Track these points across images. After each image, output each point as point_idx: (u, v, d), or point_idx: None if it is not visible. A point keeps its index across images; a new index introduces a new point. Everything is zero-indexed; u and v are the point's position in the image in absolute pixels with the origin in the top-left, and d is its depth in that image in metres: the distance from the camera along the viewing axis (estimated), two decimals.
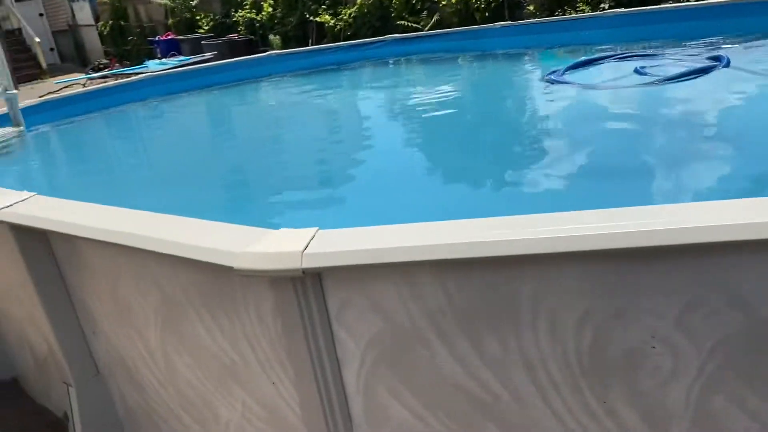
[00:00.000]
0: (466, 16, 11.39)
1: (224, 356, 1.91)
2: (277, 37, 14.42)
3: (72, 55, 23.00)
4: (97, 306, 2.35)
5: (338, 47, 8.96)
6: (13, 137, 5.87)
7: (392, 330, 1.58)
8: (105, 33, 20.50)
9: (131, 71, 12.86)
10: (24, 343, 3.11)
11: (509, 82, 6.39)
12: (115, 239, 1.95)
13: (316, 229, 1.61)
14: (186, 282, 1.88)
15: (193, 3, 16.81)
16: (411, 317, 1.54)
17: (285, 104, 7.46)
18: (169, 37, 16.34)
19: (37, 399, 3.29)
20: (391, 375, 1.65)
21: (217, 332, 1.88)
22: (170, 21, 17.63)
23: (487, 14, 11.05)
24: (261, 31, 15.27)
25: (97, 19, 21.21)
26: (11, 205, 2.35)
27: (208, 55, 13.27)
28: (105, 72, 14.99)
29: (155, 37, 17.10)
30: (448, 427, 1.65)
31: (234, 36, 14.97)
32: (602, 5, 9.84)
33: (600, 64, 5.62)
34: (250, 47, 14.66)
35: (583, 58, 5.72)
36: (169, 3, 17.14)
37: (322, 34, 13.95)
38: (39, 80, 19.82)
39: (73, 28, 22.69)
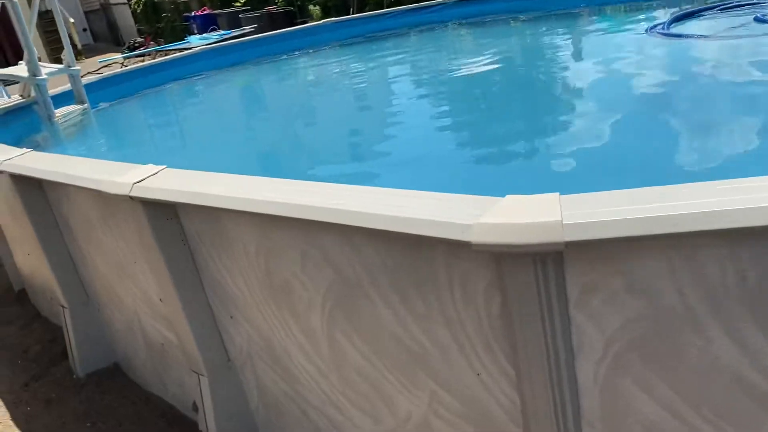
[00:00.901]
0: None
1: (412, 342, 1.68)
2: (317, 7, 14.07)
3: (105, 34, 22.87)
4: (237, 288, 2.14)
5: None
6: (79, 114, 5.69)
7: (655, 313, 1.33)
8: (138, 11, 20.30)
9: (173, 47, 12.65)
10: (135, 328, 2.93)
11: (612, 40, 6.02)
12: (276, 211, 1.72)
13: (557, 194, 1.35)
14: (370, 260, 1.64)
15: None
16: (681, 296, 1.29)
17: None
18: (206, 12, 16.07)
19: (145, 386, 3.12)
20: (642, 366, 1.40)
21: (407, 315, 1.65)
22: None
23: None
24: (299, 2, 14.91)
25: None
26: (143, 179, 2.13)
27: (248, 28, 12.98)
28: (142, 50, 14.80)
29: (190, 13, 16.84)
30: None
31: (272, 8, 14.65)
32: None
33: (705, 15, 5.22)
34: (289, 19, 14.36)
35: (687, 9, 5.32)
36: None
37: (364, 1, 13.57)
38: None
39: (105, 7, 22.53)
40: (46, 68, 5.44)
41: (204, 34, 12.93)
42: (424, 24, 8.29)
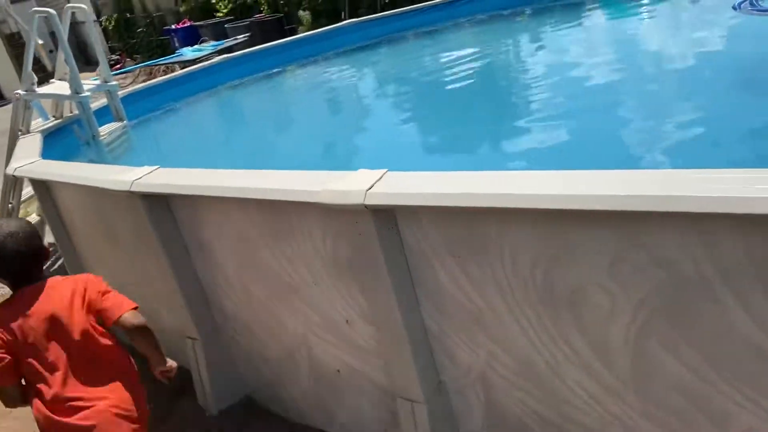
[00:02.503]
0: None
1: None
2: (306, 12, 13.75)
3: (74, 54, 22.13)
4: (484, 302, 1.89)
5: None
6: (120, 131, 5.33)
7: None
8: (110, 27, 19.71)
9: (165, 62, 12.22)
10: (298, 356, 2.64)
11: (698, 19, 5.89)
12: (582, 205, 1.50)
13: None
14: (728, 255, 1.41)
15: None
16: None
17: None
18: (187, 25, 15.62)
19: (299, 419, 2.83)
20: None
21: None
22: (182, 8, 16.87)
23: None
24: (286, 8, 14.57)
25: (98, 14, 20.37)
26: (371, 186, 1.86)
27: (241, 38, 12.62)
28: (130, 67, 14.32)
29: (167, 26, 16.38)
30: None
31: (261, 16, 14.29)
32: None
33: None
34: (280, 26, 14.01)
35: None
36: None
37: (356, 4, 13.31)
38: (46, 84, 19.09)
39: (73, 26, 21.82)
40: (86, 85, 5.08)
41: (197, 46, 12.51)
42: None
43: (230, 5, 15.67)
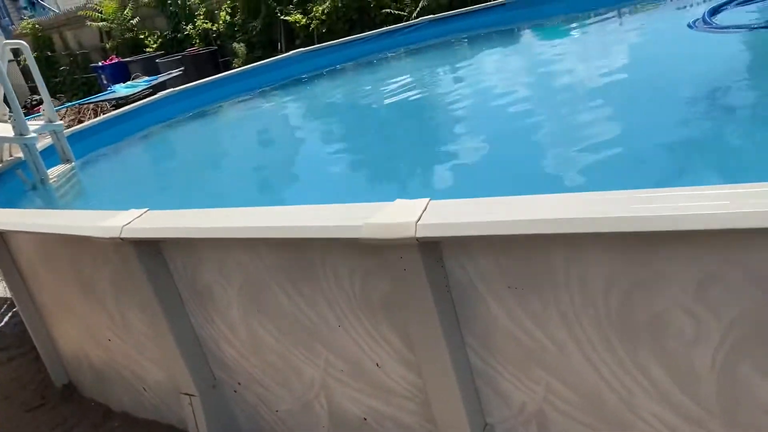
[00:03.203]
0: None
1: None
2: (241, 45, 13.53)
3: None
4: (547, 336, 1.76)
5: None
6: (68, 174, 4.98)
7: None
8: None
9: (97, 100, 11.69)
10: (316, 404, 2.43)
11: (657, 38, 6.01)
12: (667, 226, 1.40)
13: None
14: None
15: (134, 22, 15.60)
16: None
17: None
18: (115, 61, 15.10)
19: None
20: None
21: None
22: (108, 45, 16.32)
23: None
24: (218, 41, 14.31)
25: (15, 53, 19.47)
26: (421, 217, 1.72)
27: (175, 72, 12.26)
28: (58, 106, 13.62)
29: (93, 64, 15.80)
30: None
31: (194, 49, 13.96)
32: None
33: (749, 3, 5.28)
34: (214, 59, 13.76)
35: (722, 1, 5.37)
36: (107, 24, 15.82)
37: (292, 36, 13.21)
38: None
39: None
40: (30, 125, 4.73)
41: (130, 82, 12.05)
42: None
43: (160, 40, 15.29)
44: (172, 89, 7.16)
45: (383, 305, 2.00)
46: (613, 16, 7.83)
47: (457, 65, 7.63)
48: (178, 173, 5.68)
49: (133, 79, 12.42)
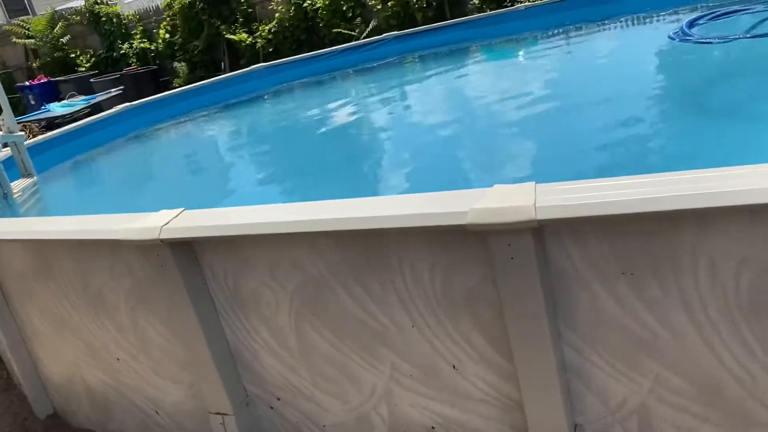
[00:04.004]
0: (404, 17, 11.07)
1: None
2: (183, 64, 13.17)
3: None
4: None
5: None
6: (31, 189, 4.61)
7: None
8: None
9: (30, 119, 11.04)
10: (373, 415, 2.26)
11: (640, 50, 6.12)
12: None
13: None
14: None
15: (64, 40, 14.94)
16: None
17: None
18: (43, 81, 14.38)
19: None
20: None
21: None
22: (35, 63, 15.56)
23: (429, 14, 10.80)
24: (157, 61, 13.89)
25: None
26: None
27: (114, 91, 11.77)
28: None
29: (19, 83, 15.00)
30: None
31: (133, 68, 13.48)
32: None
33: (729, 17, 5.48)
34: (154, 78, 13.32)
35: (704, 14, 5.55)
36: (34, 42, 15.08)
37: (236, 55, 12.96)
38: None
39: None
40: None
41: (66, 101, 11.48)
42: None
43: (93, 59, 14.70)
44: (131, 103, 6.80)
45: (468, 301, 1.87)
46: (597, 30, 8.03)
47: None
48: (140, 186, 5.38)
49: (68, 98, 11.83)
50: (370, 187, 4.28)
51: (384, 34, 8.25)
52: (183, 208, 2.26)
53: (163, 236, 2.12)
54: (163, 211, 2.28)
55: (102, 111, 12.15)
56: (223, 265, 2.25)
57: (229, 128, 7.12)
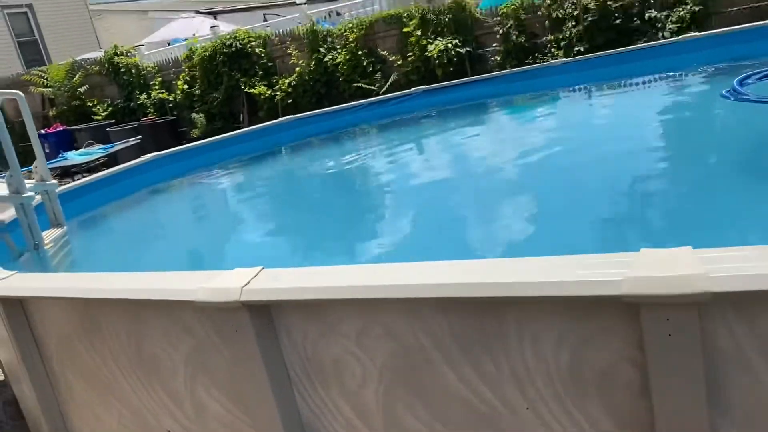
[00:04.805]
0: (425, 72, 11.09)
1: None
2: (201, 115, 13.17)
3: None
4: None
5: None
6: (62, 239, 4.41)
7: None
8: None
9: (49, 166, 10.92)
10: None
11: (695, 108, 6.01)
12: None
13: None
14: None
15: (82, 90, 15.00)
16: None
17: None
18: (60, 129, 14.38)
19: None
20: None
21: None
22: (52, 112, 15.59)
23: (450, 69, 10.82)
24: (175, 112, 13.90)
25: None
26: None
27: (132, 141, 11.73)
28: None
29: (40, 131, 14.98)
30: None
31: (151, 119, 13.47)
32: (577, 48, 9.98)
33: None
34: (173, 129, 13.30)
35: (752, 72, 5.45)
36: (52, 91, 15.14)
37: (255, 108, 12.96)
38: None
39: None
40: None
41: (83, 149, 11.39)
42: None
43: (110, 108, 14.73)
44: (159, 152, 6.67)
45: (600, 381, 1.64)
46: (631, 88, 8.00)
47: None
48: (170, 237, 5.18)
49: (86, 146, 11.76)
50: (416, 242, 4.07)
51: (413, 89, 8.19)
52: (262, 267, 2.04)
53: (243, 298, 1.90)
54: (239, 270, 2.07)
55: (118, 160, 12.17)
56: (302, 329, 2.03)
57: (260, 179, 6.97)
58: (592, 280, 1.48)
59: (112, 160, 11.33)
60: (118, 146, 11.35)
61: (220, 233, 5.12)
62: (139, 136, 11.96)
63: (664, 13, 9.67)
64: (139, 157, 10.83)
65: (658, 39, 9.39)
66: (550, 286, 1.53)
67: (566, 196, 4.20)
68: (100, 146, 11.45)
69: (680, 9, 9.57)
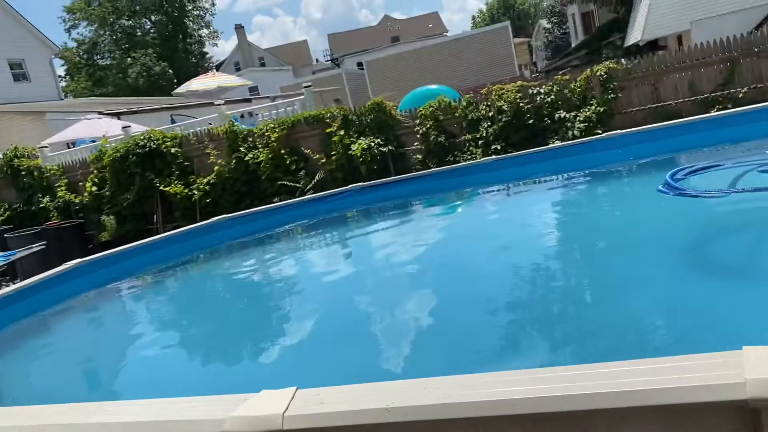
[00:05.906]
0: (350, 170, 11.18)
1: None
2: (111, 217, 12.54)
3: None
4: None
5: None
6: None
7: None
8: None
9: None
10: None
11: (631, 201, 6.18)
12: None
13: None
14: None
15: None
16: None
17: None
18: None
19: None
20: None
21: None
22: None
23: (374, 166, 10.96)
24: (81, 214, 13.18)
25: None
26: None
27: (35, 246, 10.89)
28: None
29: None
30: None
31: (55, 222, 12.65)
32: (494, 146, 10.40)
33: (715, 170, 5.68)
34: (80, 233, 12.55)
35: (689, 166, 5.75)
36: None
37: (170, 208, 12.52)
38: None
39: None
40: None
41: None
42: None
43: (7, 213, 13.78)
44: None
45: None
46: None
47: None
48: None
49: None
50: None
51: (351, 186, 8.21)
52: (296, 387, 1.82)
53: (287, 426, 1.67)
54: (267, 392, 1.83)
55: (17, 268, 11.25)
56: None
57: (195, 286, 6.58)
58: (709, 384, 1.38)
59: (9, 269, 10.49)
60: (21, 253, 10.51)
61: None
62: (44, 242, 11.15)
63: (572, 114, 10.33)
64: (43, 263, 10.11)
65: (569, 138, 9.99)
66: (658, 394, 1.42)
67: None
68: (1, 254, 10.56)
69: (586, 110, 10.27)
